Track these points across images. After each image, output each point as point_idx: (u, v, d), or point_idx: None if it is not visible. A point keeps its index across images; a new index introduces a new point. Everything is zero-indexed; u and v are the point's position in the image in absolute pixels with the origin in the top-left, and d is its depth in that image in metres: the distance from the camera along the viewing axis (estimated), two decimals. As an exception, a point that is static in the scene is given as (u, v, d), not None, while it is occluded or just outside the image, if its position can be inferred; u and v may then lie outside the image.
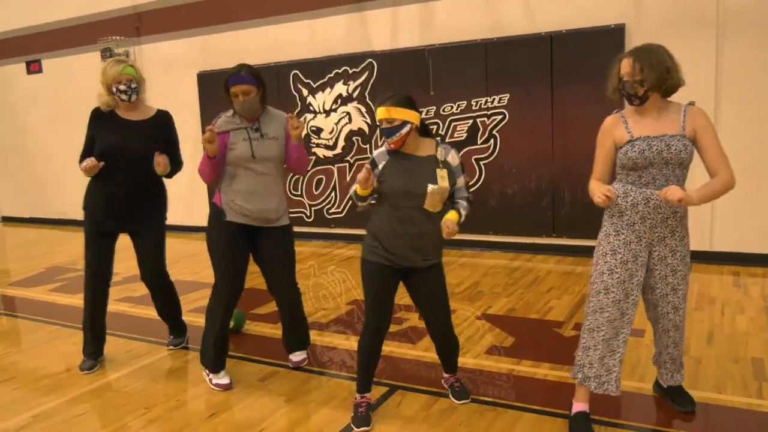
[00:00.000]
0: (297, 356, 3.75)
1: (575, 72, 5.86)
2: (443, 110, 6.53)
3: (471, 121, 6.44)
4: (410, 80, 6.51)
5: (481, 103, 6.36)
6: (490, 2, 6.28)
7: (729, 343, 3.77)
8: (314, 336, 4.22)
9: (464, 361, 3.60)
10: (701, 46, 5.38)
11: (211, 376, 3.54)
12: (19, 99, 10.00)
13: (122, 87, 3.60)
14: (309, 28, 7.30)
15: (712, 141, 2.63)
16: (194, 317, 4.55)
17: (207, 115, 7.78)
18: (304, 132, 3.45)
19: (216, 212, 3.50)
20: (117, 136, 3.62)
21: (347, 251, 6.88)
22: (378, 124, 2.90)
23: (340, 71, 7.13)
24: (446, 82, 6.49)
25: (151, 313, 4.65)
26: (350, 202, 3.06)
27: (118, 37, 8.51)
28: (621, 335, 2.77)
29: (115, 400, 3.44)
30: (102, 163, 3.57)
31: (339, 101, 7.21)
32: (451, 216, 2.86)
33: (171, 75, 8.19)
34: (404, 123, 2.83)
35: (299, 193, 7.59)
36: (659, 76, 2.58)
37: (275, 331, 4.27)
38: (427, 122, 3.67)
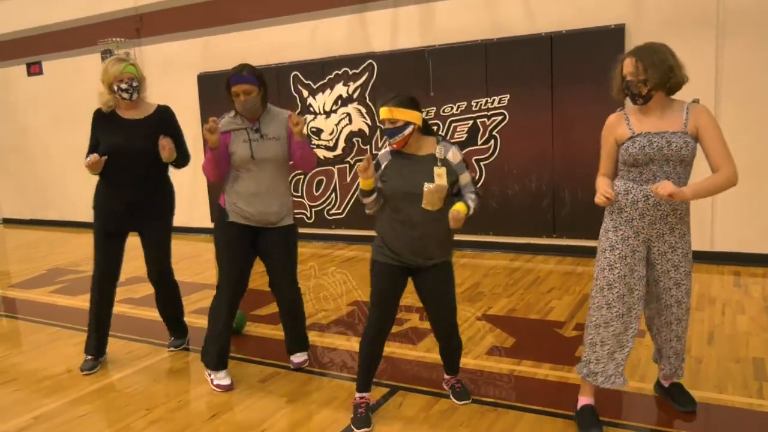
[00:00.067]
0: (298, 357, 3.76)
1: (575, 72, 5.86)
2: (443, 111, 6.53)
3: (471, 122, 6.44)
4: (410, 81, 6.51)
5: (481, 104, 6.37)
6: (490, 3, 6.28)
7: (730, 343, 3.77)
8: (315, 337, 4.22)
9: (465, 361, 3.60)
10: (701, 46, 5.38)
11: (212, 376, 3.54)
12: (19, 100, 10.00)
13: (123, 85, 3.61)
14: (309, 29, 7.31)
15: (714, 138, 2.62)
16: (195, 318, 4.56)
17: (207, 117, 7.75)
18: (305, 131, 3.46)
19: (220, 213, 3.53)
20: (118, 136, 3.64)
21: (348, 252, 6.88)
22: (380, 124, 2.90)
23: (340, 72, 7.13)
24: (446, 82, 6.49)
25: (151, 314, 4.66)
26: (356, 203, 3.07)
27: (118, 39, 8.52)
28: (630, 330, 2.78)
29: (117, 401, 3.44)
30: (105, 158, 3.59)
31: (339, 102, 7.21)
32: (459, 207, 2.83)
33: (171, 76, 8.19)
34: (407, 124, 2.84)
35: (300, 194, 7.59)
36: (662, 74, 2.58)
37: (276, 332, 4.27)
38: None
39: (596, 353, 2.82)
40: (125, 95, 3.63)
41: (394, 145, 2.89)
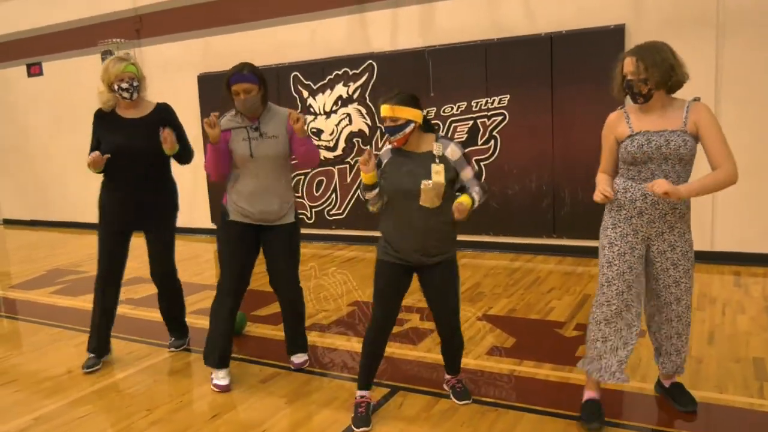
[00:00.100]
0: (298, 358, 3.76)
1: (575, 72, 5.86)
2: (443, 111, 6.53)
3: (471, 122, 6.44)
4: (410, 81, 6.51)
5: (481, 104, 6.37)
6: (490, 3, 6.28)
7: (730, 343, 3.77)
8: (315, 337, 4.22)
9: (465, 361, 3.60)
10: (701, 46, 5.39)
11: (212, 374, 3.55)
12: (19, 101, 10.00)
13: (124, 85, 3.62)
14: (309, 30, 7.31)
15: (714, 136, 2.61)
16: (195, 319, 4.56)
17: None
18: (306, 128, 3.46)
19: (223, 212, 3.54)
20: (119, 135, 3.65)
21: (348, 252, 6.88)
22: (381, 121, 2.91)
23: (340, 73, 7.13)
24: (446, 83, 6.49)
25: (152, 315, 4.66)
26: (356, 203, 3.08)
27: (118, 40, 8.52)
28: (633, 328, 2.79)
29: (118, 402, 3.45)
30: (107, 156, 3.59)
31: (339, 103, 7.21)
32: (463, 199, 2.82)
33: (171, 77, 8.19)
34: (408, 122, 2.84)
35: (300, 194, 7.60)
36: (663, 73, 2.59)
37: (276, 332, 4.27)
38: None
39: (597, 349, 2.84)
40: (126, 95, 3.64)
41: (395, 143, 2.90)
